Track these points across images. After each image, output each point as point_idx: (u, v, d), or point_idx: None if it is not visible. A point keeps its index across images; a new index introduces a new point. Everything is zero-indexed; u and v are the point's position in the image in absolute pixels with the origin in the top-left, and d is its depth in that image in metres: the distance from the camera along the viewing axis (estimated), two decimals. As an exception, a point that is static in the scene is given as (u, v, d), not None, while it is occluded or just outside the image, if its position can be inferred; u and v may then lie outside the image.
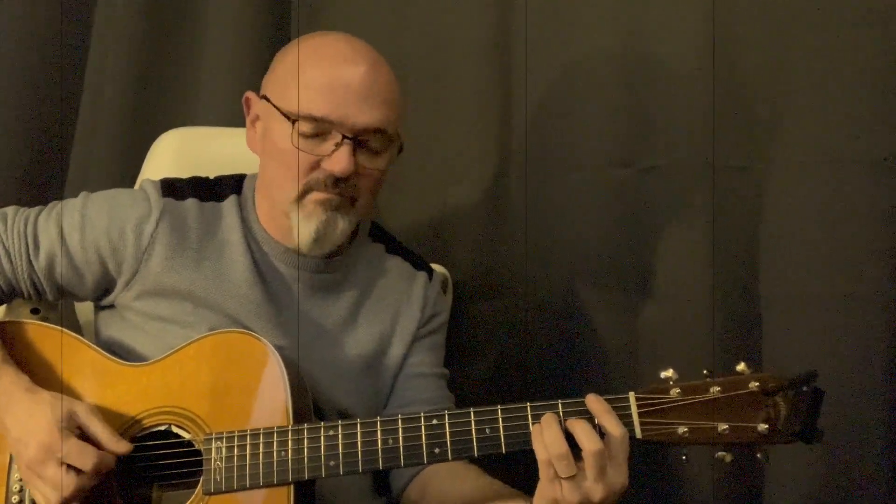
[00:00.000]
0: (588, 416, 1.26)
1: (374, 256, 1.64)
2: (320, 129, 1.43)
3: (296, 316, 1.54)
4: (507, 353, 2.01)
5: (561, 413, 1.27)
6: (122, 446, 1.36)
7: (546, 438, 1.24)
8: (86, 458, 1.33)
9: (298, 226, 1.47)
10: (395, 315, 1.61)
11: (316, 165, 1.45)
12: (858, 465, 1.81)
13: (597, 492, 1.22)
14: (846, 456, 1.80)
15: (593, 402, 1.27)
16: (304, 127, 1.43)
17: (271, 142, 1.48)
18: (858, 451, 1.80)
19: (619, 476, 1.24)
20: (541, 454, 1.24)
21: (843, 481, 1.82)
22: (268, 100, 1.49)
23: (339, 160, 1.43)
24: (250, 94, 1.55)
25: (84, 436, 1.36)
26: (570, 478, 1.22)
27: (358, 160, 1.44)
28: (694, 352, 1.86)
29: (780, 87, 1.87)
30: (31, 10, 2.16)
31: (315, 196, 1.46)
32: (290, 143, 1.43)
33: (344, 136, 1.43)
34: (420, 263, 1.69)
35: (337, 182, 1.45)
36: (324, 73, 1.44)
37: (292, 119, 1.43)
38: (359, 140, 1.45)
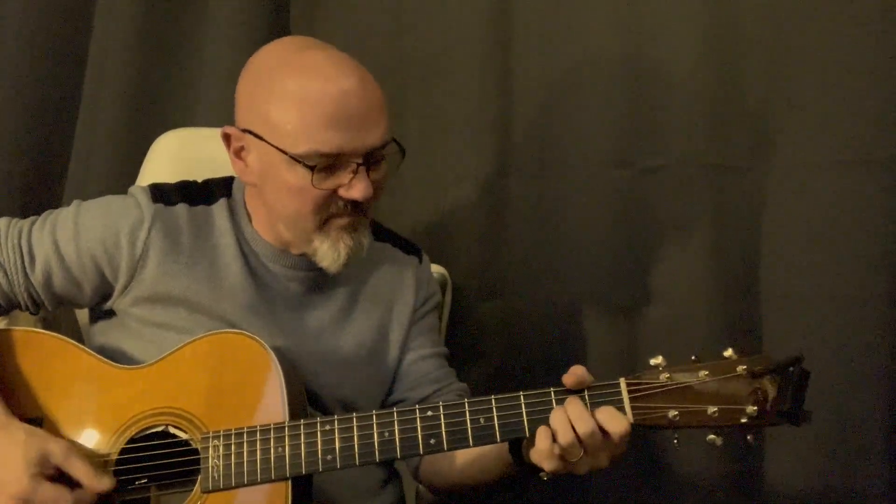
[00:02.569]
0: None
1: None
2: (332, 161, 1.40)
3: (292, 315, 1.54)
4: (507, 353, 2.02)
5: (554, 401, 1.29)
6: (103, 484, 1.35)
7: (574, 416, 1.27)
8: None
9: (324, 252, 1.46)
10: (391, 302, 1.62)
11: (333, 194, 1.42)
12: (858, 464, 1.81)
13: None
14: (846, 455, 1.81)
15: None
16: (318, 165, 1.40)
17: (279, 180, 1.43)
18: (858, 450, 1.81)
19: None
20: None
21: (843, 480, 1.82)
22: (258, 136, 1.43)
23: (359, 188, 1.40)
24: (230, 130, 1.48)
25: (62, 476, 1.34)
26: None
27: (370, 177, 1.43)
28: (693, 352, 1.85)
29: (780, 87, 1.87)
30: (31, 10, 2.16)
31: (338, 222, 1.45)
32: (306, 182, 1.40)
33: (358, 164, 1.41)
34: (409, 247, 1.69)
35: (356, 204, 1.44)
36: (320, 104, 1.38)
37: (310, 165, 1.39)
38: (369, 159, 1.43)
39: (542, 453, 1.28)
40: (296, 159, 1.39)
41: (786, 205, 1.88)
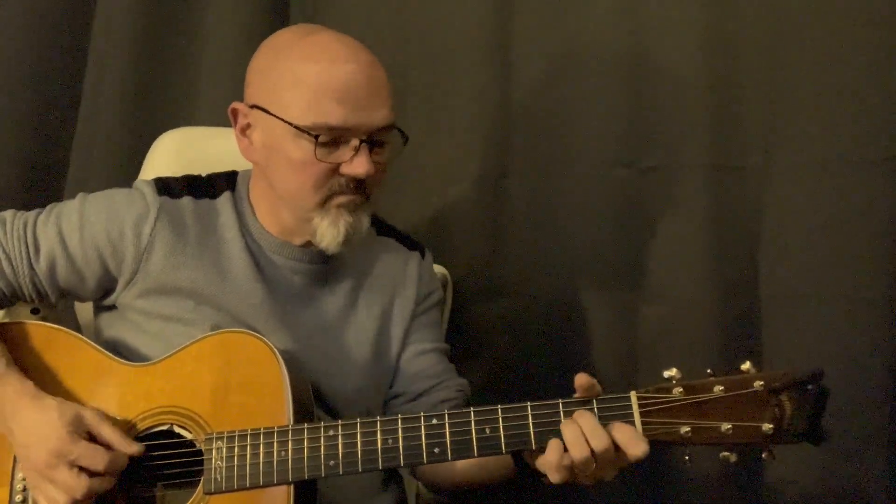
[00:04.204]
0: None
1: (367, 240, 1.62)
2: (336, 136, 1.43)
3: (296, 309, 1.55)
4: (507, 353, 2.02)
5: (562, 413, 1.27)
6: (133, 447, 1.37)
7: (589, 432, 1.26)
8: (97, 460, 1.34)
9: (323, 230, 1.48)
10: (392, 296, 1.63)
11: (335, 170, 1.45)
12: (858, 465, 1.81)
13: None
14: (846, 456, 1.81)
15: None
16: (322, 137, 1.42)
17: (283, 155, 1.46)
18: (859, 450, 1.81)
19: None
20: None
21: (844, 481, 1.82)
22: (265, 110, 1.46)
23: (360, 164, 1.43)
24: (238, 105, 1.52)
25: (93, 439, 1.36)
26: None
27: (372, 158, 1.45)
28: (694, 352, 1.87)
29: (780, 87, 1.87)
30: (30, 10, 2.16)
31: (338, 200, 1.47)
32: (309, 155, 1.42)
33: (361, 140, 1.43)
34: (412, 243, 1.71)
35: (358, 184, 1.46)
36: (330, 80, 1.42)
37: (314, 134, 1.41)
38: (372, 139, 1.45)
39: (550, 465, 1.27)
40: (302, 130, 1.41)
41: (786, 205, 1.87)
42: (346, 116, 1.41)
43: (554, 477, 1.28)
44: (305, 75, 1.43)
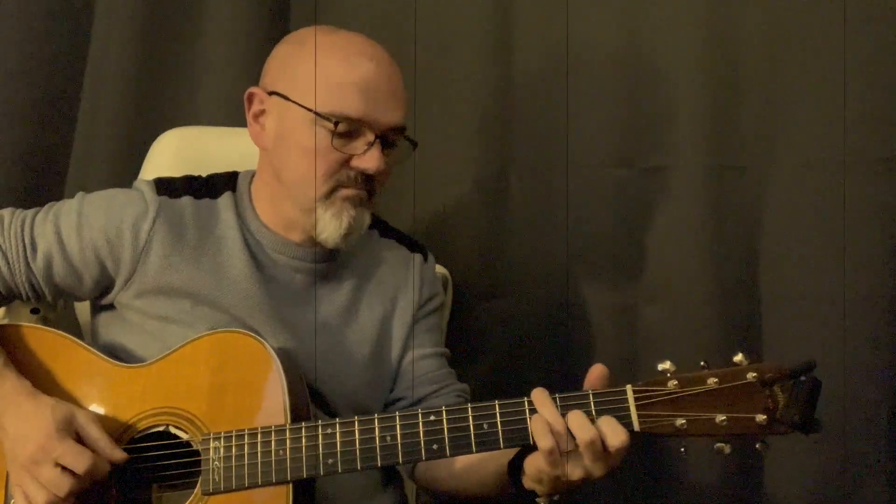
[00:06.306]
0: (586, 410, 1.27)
1: (369, 242, 1.66)
2: (353, 127, 1.46)
3: (297, 309, 1.55)
4: (507, 353, 2.01)
5: (559, 408, 1.27)
6: (117, 454, 1.37)
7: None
8: (80, 461, 1.33)
9: (325, 222, 1.49)
10: (394, 299, 1.63)
11: (345, 162, 1.47)
12: (859, 464, 1.81)
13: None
14: (847, 454, 1.80)
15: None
16: (340, 127, 1.45)
17: (296, 141, 1.48)
18: (859, 449, 1.81)
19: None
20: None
21: (844, 479, 1.82)
22: (284, 97, 1.49)
23: (373, 158, 1.46)
24: (256, 90, 1.53)
25: (81, 441, 1.36)
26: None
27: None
28: (694, 351, 1.85)
29: (779, 87, 1.87)
30: (30, 9, 2.16)
31: (344, 193, 1.48)
32: (323, 142, 1.44)
33: (375, 135, 1.46)
34: (414, 245, 1.71)
35: (365, 179, 1.48)
36: (352, 73, 1.46)
37: (334, 121, 1.44)
38: (385, 138, 1.48)
39: (531, 477, 1.30)
40: (321, 116, 1.44)
41: (786, 205, 1.87)
42: (366, 110, 1.45)
43: (539, 489, 1.31)
44: (329, 66, 1.46)
